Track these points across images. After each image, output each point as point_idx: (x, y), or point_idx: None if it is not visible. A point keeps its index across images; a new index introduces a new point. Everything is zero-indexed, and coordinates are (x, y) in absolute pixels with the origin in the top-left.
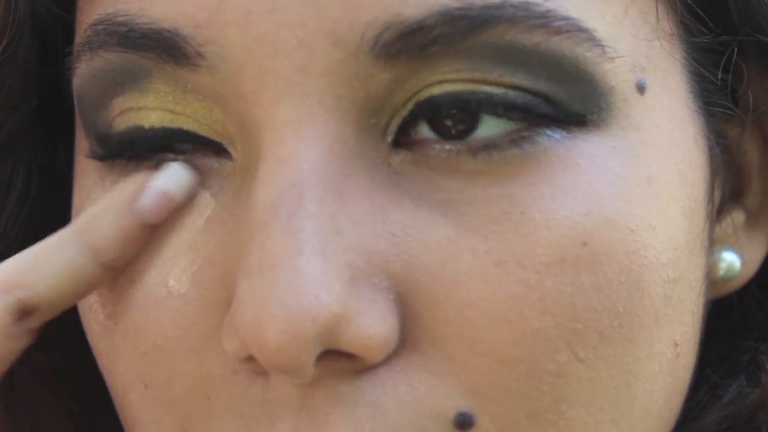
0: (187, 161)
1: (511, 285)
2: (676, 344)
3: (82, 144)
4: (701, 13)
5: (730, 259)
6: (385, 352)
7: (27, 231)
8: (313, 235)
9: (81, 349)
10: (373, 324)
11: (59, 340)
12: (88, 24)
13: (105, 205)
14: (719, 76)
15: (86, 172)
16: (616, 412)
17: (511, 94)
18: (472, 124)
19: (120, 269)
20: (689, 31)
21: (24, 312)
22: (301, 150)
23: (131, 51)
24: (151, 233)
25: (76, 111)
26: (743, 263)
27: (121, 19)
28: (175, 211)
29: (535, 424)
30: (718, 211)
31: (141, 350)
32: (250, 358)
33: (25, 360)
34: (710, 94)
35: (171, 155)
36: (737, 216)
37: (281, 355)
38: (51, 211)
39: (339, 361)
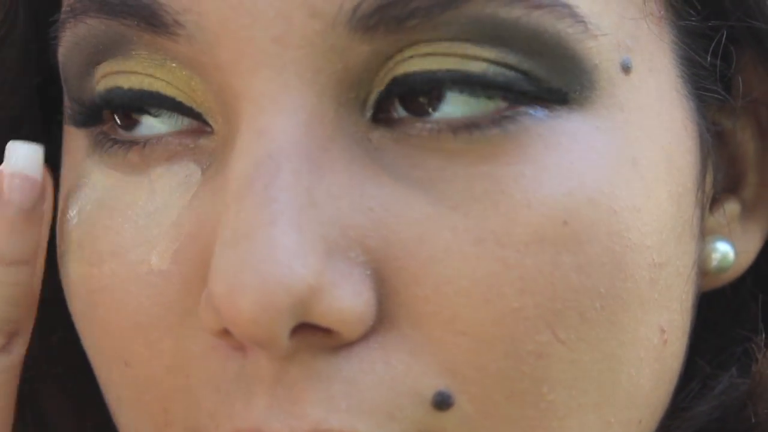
0: (166, 141)
1: (489, 263)
2: (663, 331)
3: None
4: None
5: (723, 250)
6: (360, 328)
7: None
8: (287, 206)
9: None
10: (347, 297)
11: (54, 325)
12: None
13: None
14: (709, 61)
15: (72, 153)
16: (599, 397)
17: (491, 71)
18: (441, 94)
19: (33, 260)
20: (679, 15)
21: None
22: (279, 122)
23: (112, 18)
24: (38, 216)
25: (63, 84)
26: (737, 254)
27: None
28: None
29: (515, 405)
30: (712, 201)
31: (122, 327)
32: (227, 332)
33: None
34: (701, 79)
35: (150, 116)
36: (732, 207)
37: (254, 326)
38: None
39: (315, 336)
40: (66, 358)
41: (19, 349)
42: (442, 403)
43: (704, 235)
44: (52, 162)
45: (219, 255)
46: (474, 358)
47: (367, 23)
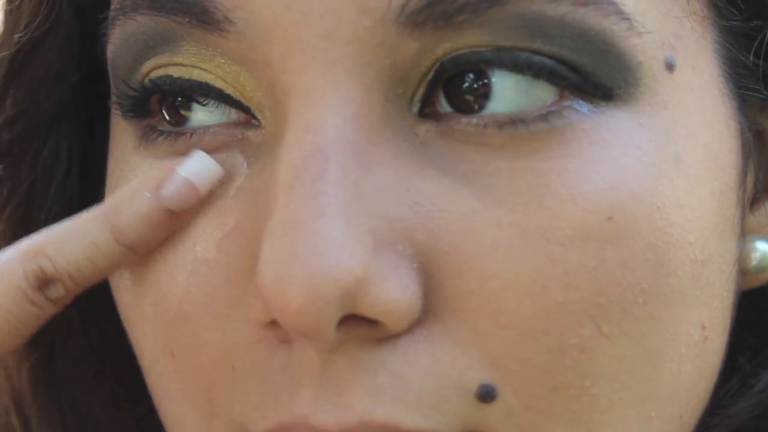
0: (214, 131)
1: (534, 257)
2: (704, 327)
3: (116, 112)
4: None
5: (763, 249)
6: (407, 320)
7: (68, 209)
8: (336, 199)
9: (119, 331)
10: (395, 290)
11: (97, 322)
12: None
13: (132, 187)
14: (752, 61)
15: (119, 146)
16: (641, 392)
17: (537, 58)
18: (487, 93)
19: (143, 251)
20: (721, 15)
21: (44, 280)
22: (327, 116)
23: (162, 15)
24: (175, 221)
25: (111, 80)
26: None
27: None
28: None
29: (558, 398)
30: (753, 201)
31: (168, 317)
32: (274, 324)
33: (64, 342)
34: (743, 79)
35: (199, 107)
36: None
37: (302, 317)
38: (92, 191)
39: (361, 328)
40: (106, 351)
41: (62, 306)
42: (487, 395)
43: (744, 234)
44: (97, 159)
45: (267, 246)
46: (518, 351)
47: (415, 19)
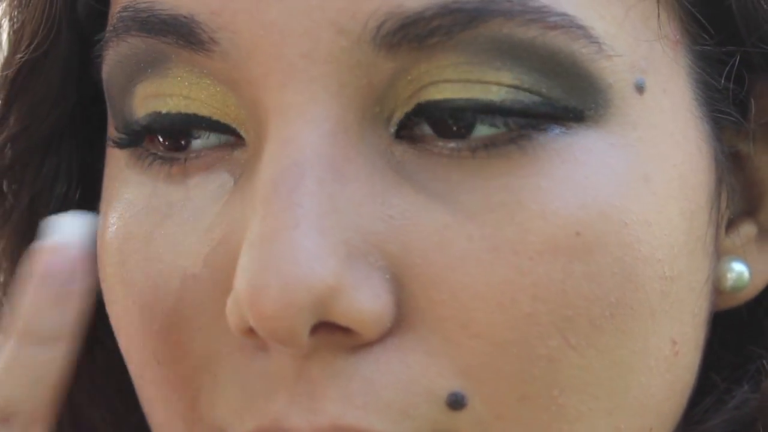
0: (205, 153)
1: (504, 270)
2: (675, 342)
3: (111, 134)
4: (705, 22)
5: (738, 270)
6: (379, 329)
7: None
8: (310, 210)
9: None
10: (366, 299)
11: (97, 339)
12: (115, 12)
13: (24, 290)
14: (723, 84)
15: (112, 163)
16: (609, 403)
17: (508, 101)
18: (471, 123)
19: (74, 334)
20: (694, 40)
21: (4, 419)
22: (305, 131)
23: (152, 36)
24: (78, 289)
25: (107, 101)
26: (752, 275)
27: (142, 5)
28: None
29: (527, 407)
30: (730, 223)
31: (155, 328)
32: (252, 331)
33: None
34: (716, 103)
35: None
36: (748, 229)
37: (276, 322)
38: (91, 207)
39: (335, 335)
40: (108, 370)
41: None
42: (456, 403)
43: (720, 254)
44: (97, 175)
45: (244, 256)
46: (488, 360)
47: (390, 41)
